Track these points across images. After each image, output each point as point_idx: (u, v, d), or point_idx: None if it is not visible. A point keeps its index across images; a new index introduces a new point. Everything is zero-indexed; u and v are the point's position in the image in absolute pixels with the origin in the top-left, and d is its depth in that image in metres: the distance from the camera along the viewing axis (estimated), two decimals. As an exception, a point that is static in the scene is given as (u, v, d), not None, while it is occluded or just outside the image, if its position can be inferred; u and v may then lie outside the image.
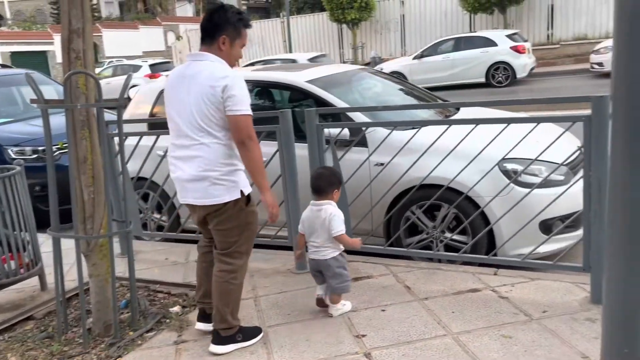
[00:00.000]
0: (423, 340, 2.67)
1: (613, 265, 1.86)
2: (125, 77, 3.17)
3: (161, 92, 4.92)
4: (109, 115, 4.67)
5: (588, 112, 2.77)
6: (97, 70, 21.69)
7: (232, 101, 2.51)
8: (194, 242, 4.37)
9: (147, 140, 4.33)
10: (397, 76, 15.10)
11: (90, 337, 2.98)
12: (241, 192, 2.64)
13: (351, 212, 3.66)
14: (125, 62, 23.67)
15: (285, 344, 2.78)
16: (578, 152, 3.31)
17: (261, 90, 4.72)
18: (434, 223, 3.74)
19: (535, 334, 2.62)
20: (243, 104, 2.53)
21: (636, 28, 1.65)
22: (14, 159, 5.36)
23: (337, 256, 2.96)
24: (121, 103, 2.94)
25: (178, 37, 30.91)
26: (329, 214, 2.92)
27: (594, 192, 2.78)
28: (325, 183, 3.00)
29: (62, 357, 2.86)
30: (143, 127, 4.77)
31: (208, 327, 2.92)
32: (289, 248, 3.77)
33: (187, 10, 45.98)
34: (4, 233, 3.41)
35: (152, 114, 4.93)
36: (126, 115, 5.12)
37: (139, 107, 5.13)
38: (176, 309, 3.30)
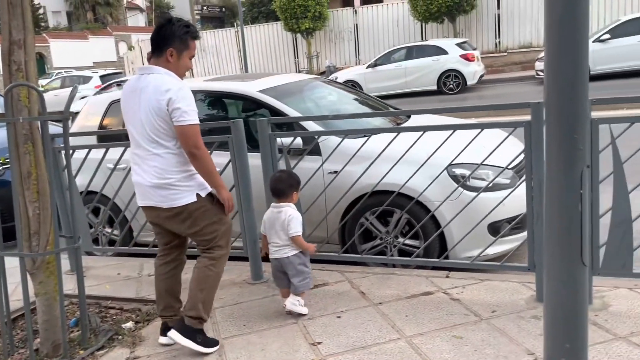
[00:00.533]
0: (378, 344, 2.71)
1: (551, 265, 1.95)
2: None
3: (111, 103, 4.84)
4: (57, 128, 4.54)
5: (529, 117, 2.89)
6: (45, 81, 21.08)
7: (177, 113, 2.61)
8: (147, 255, 4.31)
9: (97, 153, 4.24)
10: (352, 85, 15.33)
11: (38, 358, 2.88)
12: (197, 194, 2.76)
13: (306, 219, 3.67)
14: (75, 73, 23.03)
15: (241, 355, 2.76)
16: (522, 156, 3.44)
17: (214, 100, 4.69)
18: (387, 228, 3.80)
19: (484, 334, 2.70)
20: (188, 114, 2.62)
21: (564, 36, 1.75)
22: (-45, 175, 5.13)
23: (298, 253, 3.08)
24: (66, 116, 2.87)
25: (130, 47, 30.31)
26: (288, 216, 3.04)
27: (536, 194, 2.89)
28: (285, 185, 3.12)
29: (8, 380, 2.75)
30: (93, 139, 4.66)
31: (170, 340, 2.88)
32: (245, 259, 3.75)
33: (139, 20, 45.21)
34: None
35: (101, 126, 4.83)
36: (75, 127, 4.99)
37: (88, 119, 5.01)
38: (129, 324, 3.23)
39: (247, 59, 22.23)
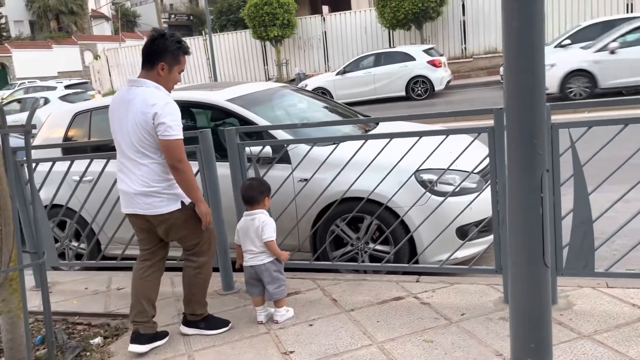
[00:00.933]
0: (350, 351, 2.72)
1: (515, 267, 1.99)
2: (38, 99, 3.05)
3: (75, 115, 4.76)
4: (20, 141, 4.43)
5: (492, 123, 2.96)
6: (7, 92, 20.53)
7: (162, 127, 2.72)
8: (116, 269, 4.24)
9: (62, 166, 4.15)
10: (322, 92, 15.41)
11: (2, 378, 2.80)
12: (182, 202, 2.88)
13: (277, 228, 3.66)
14: (39, 83, 22.52)
15: (213, 367, 2.74)
16: (487, 160, 3.51)
17: (182, 110, 4.60)
18: (357, 235, 3.82)
19: (454, 337, 2.74)
20: (173, 129, 2.73)
21: (521, 45, 1.81)
22: None
23: (274, 260, 3.11)
24: (28, 128, 2.81)
25: (96, 57, 29.79)
26: (262, 222, 3.08)
27: (501, 198, 2.96)
28: (256, 192, 3.16)
29: (-30, 402, 2.66)
30: (57, 152, 4.57)
31: (141, 348, 2.91)
32: (215, 269, 3.71)
33: (105, 28, 44.54)
34: None
35: (66, 138, 4.73)
36: (39, 139, 4.89)
37: (53, 130, 4.91)
38: (97, 340, 3.17)
39: (216, 68, 22.11)
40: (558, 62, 11.24)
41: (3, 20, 38.16)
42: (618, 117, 2.86)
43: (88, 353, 3.03)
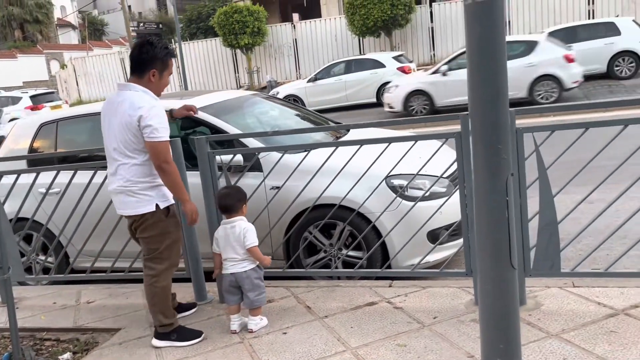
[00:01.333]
0: (324, 358, 2.72)
1: (483, 269, 2.03)
2: None
3: (41, 125, 4.66)
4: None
5: (459, 128, 3.02)
6: (-30, 103, 19.94)
7: (148, 129, 2.81)
8: (85, 282, 4.16)
9: (27, 178, 4.06)
10: (294, 99, 15.44)
11: (-34, 398, 2.71)
12: (157, 205, 2.95)
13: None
14: (3, 93, 21.95)
15: (186, 379, 2.70)
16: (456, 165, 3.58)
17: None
18: (330, 241, 3.84)
19: (427, 340, 2.77)
20: (159, 131, 2.83)
21: (484, 52, 1.85)
22: None
23: (255, 267, 3.13)
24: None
25: (62, 66, 29.22)
26: (243, 228, 3.09)
27: (469, 202, 3.01)
28: (234, 200, 3.18)
29: None
30: (22, 164, 4.47)
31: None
32: (187, 279, 3.68)
33: (72, 37, 43.76)
34: None
35: (31, 150, 4.63)
36: (3, 151, 4.77)
37: (18, 142, 4.80)
38: (66, 356, 3.10)
39: (186, 76, 21.95)
40: (401, 83, 12.49)
41: (-35, 30, 37.20)
42: (580, 120, 2.95)
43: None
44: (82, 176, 3.84)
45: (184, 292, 3.77)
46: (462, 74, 11.40)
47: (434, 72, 12.06)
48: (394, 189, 3.64)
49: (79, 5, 45.81)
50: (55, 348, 3.23)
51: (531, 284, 3.15)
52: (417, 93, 12.06)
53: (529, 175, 2.91)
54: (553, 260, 2.95)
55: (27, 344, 3.25)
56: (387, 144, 3.32)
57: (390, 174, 3.58)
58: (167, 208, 3.02)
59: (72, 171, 3.90)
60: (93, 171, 3.78)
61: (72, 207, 3.82)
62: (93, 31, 44.81)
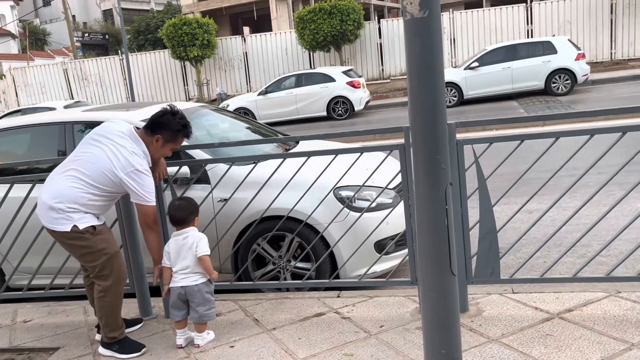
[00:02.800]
0: (271, 370, 2.71)
1: (425, 276, 2.09)
2: None
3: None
4: None
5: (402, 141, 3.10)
6: None
7: (139, 191, 2.95)
8: (21, 300, 3.97)
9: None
10: (244, 112, 15.38)
11: None
12: (73, 226, 2.90)
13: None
14: None
15: (129, 397, 2.62)
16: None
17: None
18: (279, 253, 3.83)
19: (373, 349, 2.81)
20: (151, 195, 3.00)
21: (422, 67, 1.93)
22: None
23: (206, 281, 3.08)
24: None
25: (1, 76, 28.00)
26: (197, 238, 3.08)
27: (414, 212, 3.09)
28: (186, 213, 3.14)
29: None
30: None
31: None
32: (132, 295, 3.58)
33: (12, 46, 42.01)
34: None
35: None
36: None
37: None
38: (0, 378, 2.95)
39: (133, 87, 21.47)
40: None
41: None
42: (517, 134, 3.09)
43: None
44: (19, 190, 3.69)
45: (128, 308, 3.66)
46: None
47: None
48: (341, 200, 3.69)
49: (19, 14, 44.13)
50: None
51: (473, 291, 3.25)
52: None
53: (469, 186, 3.02)
54: (493, 268, 3.06)
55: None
56: (334, 156, 3.36)
57: (338, 185, 3.63)
58: (94, 227, 2.97)
59: (8, 184, 3.74)
60: (31, 184, 3.63)
61: (8, 223, 3.65)
62: (34, 41, 43.22)
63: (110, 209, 3.17)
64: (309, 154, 3.42)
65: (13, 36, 42.56)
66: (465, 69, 14.61)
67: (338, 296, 3.55)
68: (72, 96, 23.54)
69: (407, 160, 3.04)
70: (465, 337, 2.72)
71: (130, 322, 3.41)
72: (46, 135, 4.45)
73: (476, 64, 14.53)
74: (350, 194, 3.70)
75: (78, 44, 27.03)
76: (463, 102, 14.56)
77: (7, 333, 3.56)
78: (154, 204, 3.01)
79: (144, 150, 3.03)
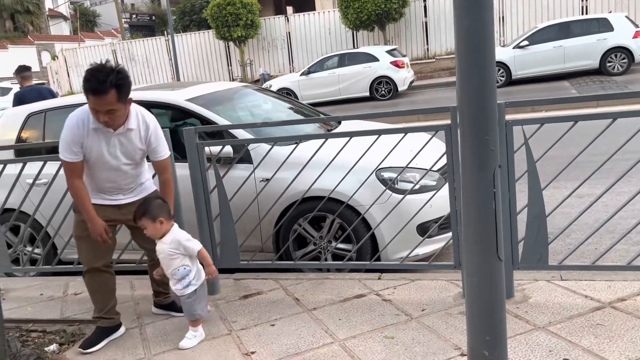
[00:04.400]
0: (311, 350, 2.72)
1: (470, 261, 2.03)
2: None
3: (29, 115, 4.61)
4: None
5: (449, 121, 3.01)
6: (-41, 94, 19.72)
7: None
8: (73, 273, 4.13)
9: (15, 169, 4.01)
10: (287, 93, 15.38)
11: (-51, 390, 2.68)
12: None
13: (239, 229, 3.64)
14: (-6, 84, 21.74)
15: (173, 370, 2.69)
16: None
17: (141, 110, 4.56)
18: (320, 233, 3.83)
19: (415, 332, 2.77)
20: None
21: (472, 44, 1.84)
22: None
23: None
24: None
25: (54, 57, 28.94)
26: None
27: (458, 194, 3.01)
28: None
29: None
30: (9, 154, 4.41)
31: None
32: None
33: (63, 28, 43.31)
34: None
35: (19, 140, 4.58)
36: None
37: (5, 132, 4.74)
38: (52, 347, 3.07)
39: (178, 68, 21.79)
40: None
41: (-45, 20, 36.71)
42: (570, 114, 2.94)
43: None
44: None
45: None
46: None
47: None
48: (384, 181, 3.64)
49: (70, -4, 45.33)
50: (41, 339, 3.21)
51: (519, 277, 3.16)
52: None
53: (518, 169, 2.91)
54: (541, 253, 2.95)
55: (13, 335, 3.21)
56: (377, 136, 3.30)
57: (380, 166, 3.57)
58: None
59: (60, 161, 3.86)
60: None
61: (60, 198, 3.78)
62: (85, 22, 44.35)
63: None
64: (351, 134, 3.37)
65: (65, 18, 43.83)
66: (514, 47, 14.10)
67: (379, 278, 3.52)
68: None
69: (454, 141, 2.95)
70: (510, 323, 2.64)
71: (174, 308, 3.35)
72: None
73: (526, 42, 13.99)
74: (393, 175, 3.63)
75: (126, 25, 27.61)
76: (511, 82, 14.08)
77: (58, 305, 3.71)
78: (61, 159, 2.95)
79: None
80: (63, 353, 3.01)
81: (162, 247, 2.91)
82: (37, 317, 3.49)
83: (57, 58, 26.93)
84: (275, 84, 16.14)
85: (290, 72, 20.59)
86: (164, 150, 3.07)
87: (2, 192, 4.03)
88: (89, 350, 2.98)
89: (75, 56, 25.34)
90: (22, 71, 7.56)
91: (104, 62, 2.77)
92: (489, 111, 1.88)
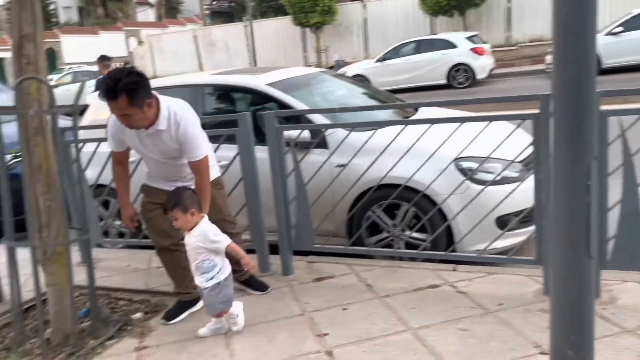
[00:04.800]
0: (383, 336, 2.72)
1: (558, 257, 1.94)
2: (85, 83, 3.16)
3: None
4: (68, 122, 4.57)
5: (537, 110, 2.87)
6: (56, 76, 21.20)
7: None
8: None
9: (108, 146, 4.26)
10: (360, 80, 15.29)
11: (49, 347, 2.92)
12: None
13: (313, 213, 3.68)
14: (86, 68, 23.13)
15: (248, 345, 2.79)
16: (530, 149, 3.42)
17: (222, 94, 4.71)
18: (394, 221, 3.80)
19: (491, 326, 2.70)
20: None
21: (571, 29, 1.74)
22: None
23: None
24: (75, 109, 2.90)
25: (139, 43, 30.41)
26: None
27: (544, 187, 2.88)
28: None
29: (20, 368, 2.79)
30: (103, 132, 4.69)
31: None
32: (252, 251, 3.76)
33: (149, 15, 45.32)
34: (-44, 244, 3.32)
35: (110, 120, 4.85)
36: (87, 120, 5.03)
37: (99, 111, 5.04)
38: (138, 315, 3.27)
39: (256, 54, 22.25)
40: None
41: (53, 7, 39.31)
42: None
43: (129, 327, 3.13)
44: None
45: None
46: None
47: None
48: (463, 171, 3.55)
49: (156, -16, 47.25)
50: (128, 307, 3.42)
51: (607, 277, 2.99)
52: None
53: (611, 162, 2.74)
54: (633, 253, 2.78)
55: (103, 302, 3.45)
56: (458, 124, 3.22)
57: (460, 155, 3.48)
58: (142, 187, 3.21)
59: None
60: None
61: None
62: (168, 9, 46.19)
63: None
64: (431, 121, 3.30)
65: (150, 5, 45.82)
66: (606, 34, 13.20)
67: (454, 270, 3.45)
68: (201, 62, 24.93)
69: (543, 131, 2.82)
70: (595, 325, 2.51)
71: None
72: (180, 97, 4.74)
73: (620, 29, 13.06)
74: (472, 165, 3.54)
75: (207, 12, 28.50)
76: (601, 71, 13.20)
77: (143, 276, 3.93)
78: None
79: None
80: (147, 322, 3.19)
81: (190, 240, 2.82)
82: (124, 286, 3.72)
83: (143, 43, 28.26)
84: (349, 71, 16.08)
85: (365, 58, 20.43)
86: (197, 151, 2.87)
87: (96, 168, 4.29)
88: (170, 322, 3.14)
89: (159, 42, 26.48)
90: (103, 60, 9.00)
91: (125, 64, 2.78)
92: (586, 100, 1.78)
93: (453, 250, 3.51)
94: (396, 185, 3.52)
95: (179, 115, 2.83)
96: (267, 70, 4.88)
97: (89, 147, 4.24)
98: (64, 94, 16.36)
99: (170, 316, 3.17)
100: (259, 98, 4.43)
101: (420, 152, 3.40)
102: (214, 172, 3.16)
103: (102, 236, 4.58)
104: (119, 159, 3.08)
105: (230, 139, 3.65)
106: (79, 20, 41.13)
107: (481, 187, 3.39)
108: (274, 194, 3.62)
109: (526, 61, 17.62)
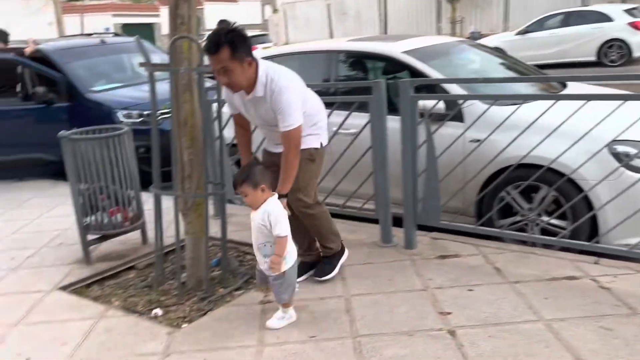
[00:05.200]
0: (512, 323, 2.56)
1: None
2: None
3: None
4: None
5: None
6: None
7: None
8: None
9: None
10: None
11: (184, 290, 3.16)
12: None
13: (442, 188, 3.55)
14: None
15: (368, 313, 2.78)
16: None
17: (356, 61, 4.66)
18: (530, 205, 3.54)
19: (639, 329, 2.42)
20: None
21: None
22: (122, 121, 5.74)
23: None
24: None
25: (275, 11, 31.33)
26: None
27: None
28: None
29: (159, 305, 3.06)
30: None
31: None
32: (375, 221, 3.74)
33: (285, -17, 46.35)
34: (113, 188, 3.68)
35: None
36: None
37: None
38: (263, 271, 3.40)
39: (387, 23, 21.89)
40: None
41: (198, -25, 41.79)
42: None
43: (255, 281, 3.28)
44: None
45: (369, 232, 3.85)
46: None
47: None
48: (617, 156, 3.19)
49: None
50: (254, 262, 3.57)
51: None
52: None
53: None
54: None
55: (233, 255, 3.65)
56: (619, 102, 2.87)
57: (616, 138, 3.11)
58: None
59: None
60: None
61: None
62: None
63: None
64: (587, 97, 2.99)
65: (287, -26, 46.87)
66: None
67: (596, 263, 3.15)
68: (332, 31, 25.10)
69: None
70: None
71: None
72: (313, 63, 4.79)
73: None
74: (630, 150, 3.16)
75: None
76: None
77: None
78: None
79: None
80: (272, 278, 3.31)
81: (254, 216, 2.70)
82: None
83: (278, 11, 29.10)
84: (486, 43, 15.17)
85: (504, 31, 19.17)
86: (287, 121, 2.75)
87: (231, 128, 4.50)
88: (324, 278, 3.17)
89: (294, 10, 27.06)
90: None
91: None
92: None
93: (597, 242, 3.19)
94: (536, 166, 3.26)
95: (274, 83, 2.76)
96: (403, 38, 4.74)
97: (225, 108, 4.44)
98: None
99: (321, 274, 3.20)
100: (393, 66, 4.32)
101: (567, 132, 3.11)
102: (310, 141, 2.97)
103: (235, 193, 4.81)
104: (238, 121, 3.16)
105: (361, 107, 3.61)
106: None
107: (638, 175, 3.02)
108: (402, 165, 3.53)
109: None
